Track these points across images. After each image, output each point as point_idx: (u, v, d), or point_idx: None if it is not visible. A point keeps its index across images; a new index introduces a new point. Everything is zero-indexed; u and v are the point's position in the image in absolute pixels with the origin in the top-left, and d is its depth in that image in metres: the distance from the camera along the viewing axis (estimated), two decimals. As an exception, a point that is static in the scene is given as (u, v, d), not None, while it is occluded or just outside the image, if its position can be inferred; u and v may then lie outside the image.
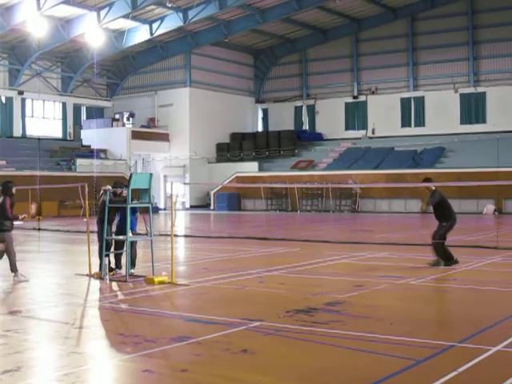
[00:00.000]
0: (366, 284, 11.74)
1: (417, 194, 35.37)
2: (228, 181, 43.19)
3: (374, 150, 44.77)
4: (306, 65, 51.44)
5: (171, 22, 41.72)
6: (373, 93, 48.57)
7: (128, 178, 12.86)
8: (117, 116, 47.67)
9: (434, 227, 14.13)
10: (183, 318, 9.09)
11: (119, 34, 43.51)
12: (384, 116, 47.46)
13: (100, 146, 44.85)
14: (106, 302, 10.56)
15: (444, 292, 11.52)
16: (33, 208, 12.47)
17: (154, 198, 40.11)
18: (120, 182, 13.77)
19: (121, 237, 12.94)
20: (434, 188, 14.18)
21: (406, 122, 47.07)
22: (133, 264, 13.12)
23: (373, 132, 48.05)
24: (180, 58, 48.46)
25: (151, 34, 42.76)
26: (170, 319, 9.19)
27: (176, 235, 21.52)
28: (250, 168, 45.84)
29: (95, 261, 13.20)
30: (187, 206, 46.54)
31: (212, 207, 45.14)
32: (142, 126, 47.75)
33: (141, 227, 14.11)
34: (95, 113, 48.31)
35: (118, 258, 13.52)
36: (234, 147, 48.82)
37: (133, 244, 13.11)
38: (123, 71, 50.46)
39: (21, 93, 44.37)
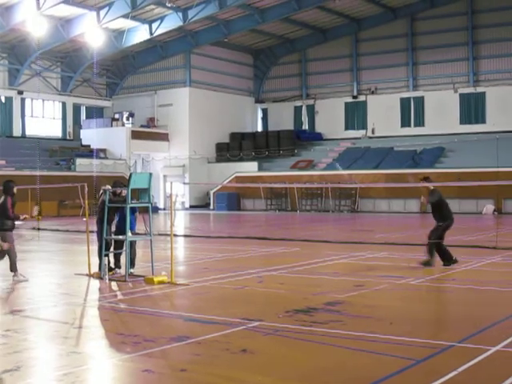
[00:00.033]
0: (365, 284, 11.74)
1: (416, 194, 35.30)
2: (227, 181, 43.19)
3: (374, 149, 44.77)
4: (305, 65, 51.44)
5: (171, 22, 41.71)
6: (372, 93, 48.58)
7: (127, 177, 12.85)
8: (116, 116, 47.65)
9: (433, 227, 14.13)
10: (183, 318, 9.08)
11: (119, 34, 43.50)
12: (384, 116, 47.46)
13: (99, 145, 44.84)
14: (106, 301, 10.56)
15: (444, 292, 11.52)
16: (35, 210, 12.39)
17: (154, 198, 40.12)
18: (119, 181, 13.76)
19: (120, 236, 12.94)
20: (432, 187, 14.20)
21: (405, 122, 47.07)
22: (132, 264, 13.12)
23: (372, 132, 48.05)
24: (180, 58, 48.45)
25: (151, 33, 42.75)
26: (169, 319, 9.18)
27: (175, 235, 21.51)
28: (250, 168, 45.84)
29: (95, 260, 13.20)
30: (187, 205, 46.53)
31: (211, 207, 45.14)
32: (142, 126, 47.75)
33: (140, 227, 14.11)
34: (95, 112, 48.29)
35: (117, 257, 13.52)
36: (234, 147, 48.81)
37: (132, 244, 13.10)
38: (123, 71, 50.45)
39: (20, 92, 44.36)
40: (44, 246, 19.97)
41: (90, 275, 12.97)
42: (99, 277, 12.70)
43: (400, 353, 7.04)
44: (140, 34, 43.19)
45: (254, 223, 32.11)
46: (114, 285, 12.21)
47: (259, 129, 52.83)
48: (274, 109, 52.27)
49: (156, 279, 12.03)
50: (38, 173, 33.77)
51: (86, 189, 14.49)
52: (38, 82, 44.73)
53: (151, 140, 46.81)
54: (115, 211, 13.06)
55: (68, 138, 47.70)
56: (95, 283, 12.38)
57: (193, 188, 46.64)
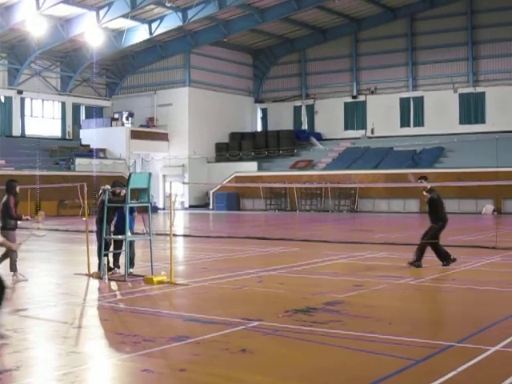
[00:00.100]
0: (365, 284, 11.74)
1: (416, 194, 35.36)
2: (227, 180, 43.19)
3: (373, 149, 44.77)
4: (305, 64, 51.43)
5: (170, 22, 41.71)
6: (372, 93, 48.58)
7: (127, 177, 12.85)
8: (116, 115, 47.65)
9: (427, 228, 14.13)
10: (182, 318, 9.08)
11: (118, 34, 43.49)
12: (383, 116, 47.46)
13: (99, 145, 44.83)
14: (105, 301, 10.56)
15: (443, 292, 11.52)
16: (40, 216, 12.38)
17: (153, 198, 40.12)
18: (119, 181, 13.76)
19: (120, 236, 12.94)
20: (429, 187, 14.20)
21: (405, 122, 47.07)
22: (131, 263, 13.11)
23: (372, 132, 48.05)
24: (179, 58, 48.44)
25: (150, 33, 42.74)
26: (168, 319, 9.18)
27: (175, 235, 21.54)
28: (249, 168, 45.84)
29: (94, 260, 13.20)
30: (186, 205, 46.53)
31: (211, 207, 45.13)
32: (141, 126, 47.74)
33: (140, 227, 14.10)
34: (94, 112, 48.27)
35: (116, 257, 13.52)
36: (233, 147, 48.81)
37: (131, 244, 13.10)
38: (122, 71, 50.44)
39: (20, 92, 44.35)
40: (43, 245, 19.96)
41: (89, 275, 12.97)
42: (98, 277, 12.70)
43: (399, 353, 7.04)
44: (139, 34, 43.18)
45: (253, 223, 32.11)
46: (113, 285, 12.21)
47: (259, 129, 52.83)
48: (273, 109, 52.27)
49: (155, 279, 12.03)
50: (37, 172, 33.78)
51: (86, 189, 14.49)
52: (38, 81, 44.70)
53: (151, 140, 46.81)
54: (114, 211, 13.06)
55: (67, 137, 47.69)
56: (95, 283, 12.38)
57: (192, 188, 46.64)
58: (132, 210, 13.07)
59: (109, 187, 12.93)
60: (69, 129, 47.96)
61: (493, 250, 16.89)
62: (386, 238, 20.56)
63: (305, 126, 51.03)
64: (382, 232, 24.08)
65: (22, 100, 44.99)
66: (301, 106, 51.23)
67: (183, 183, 43.91)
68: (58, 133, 47.45)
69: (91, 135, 45.17)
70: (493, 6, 43.87)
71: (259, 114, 53.29)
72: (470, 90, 44.83)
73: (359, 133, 48.44)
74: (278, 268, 14.01)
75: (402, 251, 17.03)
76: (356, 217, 36.39)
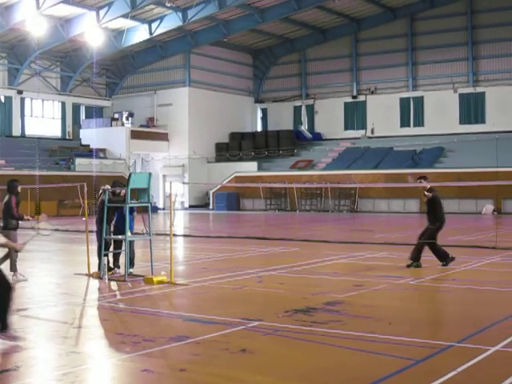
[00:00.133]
0: (365, 284, 11.74)
1: (416, 194, 35.35)
2: (227, 180, 43.18)
3: (373, 149, 44.77)
4: (305, 64, 51.43)
5: (170, 22, 41.71)
6: (372, 93, 48.57)
7: (127, 177, 12.86)
8: (116, 115, 47.65)
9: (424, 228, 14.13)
10: (182, 318, 9.08)
11: (118, 34, 43.49)
12: (383, 116, 47.45)
13: (99, 145, 44.82)
14: (105, 301, 10.56)
15: (443, 292, 11.52)
16: (42, 218, 12.41)
17: (153, 198, 40.12)
18: (119, 181, 13.76)
19: (120, 236, 12.94)
20: (429, 186, 14.21)
21: (405, 122, 47.06)
22: (131, 263, 13.11)
23: (372, 132, 48.04)
24: (179, 58, 48.44)
25: (150, 33, 42.74)
26: (168, 319, 9.18)
27: (175, 235, 21.54)
28: (249, 168, 45.84)
29: (94, 260, 13.20)
30: (186, 205, 46.53)
31: (211, 207, 45.13)
32: (141, 126, 47.74)
33: (140, 227, 14.10)
34: (94, 112, 48.26)
35: (115, 257, 13.52)
36: (233, 147, 48.81)
37: (130, 243, 13.10)
38: (122, 71, 50.44)
39: (20, 92, 44.36)
40: (43, 245, 19.94)
41: (89, 275, 12.97)
42: (98, 277, 12.70)
43: (399, 353, 7.04)
44: (139, 34, 43.18)
45: (253, 223, 32.11)
46: (113, 285, 12.21)
47: (259, 129, 52.83)
48: (273, 109, 52.27)
49: (155, 279, 12.03)
50: (37, 172, 33.76)
51: (86, 188, 14.49)
52: (38, 81, 44.69)
53: (151, 140, 46.81)
54: (114, 211, 13.06)
55: (67, 137, 47.69)
56: (94, 283, 12.38)
57: (192, 188, 46.64)
58: (131, 210, 13.07)
59: (109, 187, 12.93)
60: (69, 129, 47.96)
61: (493, 250, 16.90)
62: (385, 238, 20.57)
63: (305, 126, 51.00)
64: (381, 232, 24.08)
65: (22, 100, 44.99)
66: (301, 106, 51.23)
67: (183, 183, 43.91)
68: (57, 133, 47.45)
69: (91, 135, 45.17)
70: (493, 6, 43.87)
71: (259, 114, 53.30)
72: (470, 90, 44.83)
73: (359, 133, 48.44)
74: (278, 268, 14.01)
75: (401, 251, 17.01)
76: (356, 217, 36.39)
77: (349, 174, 40.80)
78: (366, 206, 40.52)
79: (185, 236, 23.50)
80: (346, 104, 49.31)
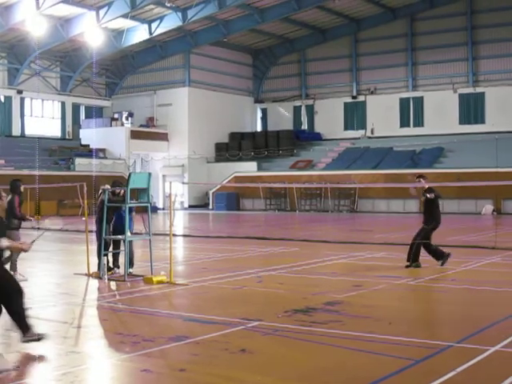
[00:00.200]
0: (364, 284, 11.74)
1: (415, 195, 35.29)
2: (227, 180, 43.19)
3: (373, 150, 44.78)
4: (304, 65, 51.44)
5: (170, 22, 41.71)
6: (372, 93, 48.58)
7: (127, 177, 12.86)
8: (116, 115, 47.66)
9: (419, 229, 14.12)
10: (182, 318, 9.08)
11: (118, 34, 43.49)
12: (383, 116, 47.46)
13: (99, 145, 44.82)
14: (105, 301, 10.56)
15: (442, 292, 11.51)
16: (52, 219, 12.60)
17: (153, 198, 40.11)
18: (119, 181, 13.76)
19: (119, 236, 12.94)
20: (427, 186, 14.22)
21: (404, 122, 47.07)
22: (131, 263, 13.11)
23: (372, 132, 48.05)
24: (179, 58, 48.44)
25: (150, 33, 42.74)
26: (168, 319, 9.18)
27: (175, 235, 21.53)
28: (249, 168, 45.84)
29: (94, 260, 13.20)
30: (186, 205, 46.53)
31: (211, 207, 45.13)
32: (141, 126, 47.75)
33: (139, 227, 14.10)
34: (94, 112, 48.26)
35: (115, 257, 13.52)
36: (233, 147, 48.81)
37: (129, 243, 13.09)
38: (122, 71, 50.44)
39: (20, 92, 44.35)
40: (43, 245, 19.95)
41: (89, 275, 12.97)
42: (98, 276, 12.70)
43: (399, 353, 7.04)
44: (139, 34, 43.18)
45: (253, 223, 32.11)
46: (113, 284, 12.21)
47: (258, 129, 52.83)
48: (273, 109, 52.28)
49: (155, 279, 12.03)
50: (37, 172, 33.71)
51: (85, 188, 14.49)
52: (38, 81, 44.68)
53: (150, 140, 46.81)
54: (114, 211, 13.06)
55: (67, 137, 47.68)
56: (94, 283, 12.37)
57: (192, 188, 46.64)
58: (130, 209, 13.06)
59: (108, 187, 12.93)
60: (68, 129, 47.95)
61: (492, 251, 16.89)
62: (385, 238, 20.57)
63: (305, 126, 51.04)
64: (381, 232, 24.09)
65: (22, 100, 44.98)
66: (300, 106, 51.24)
67: (183, 183, 43.91)
68: (57, 133, 47.44)
69: (91, 135, 45.17)
70: (493, 6, 43.88)
71: (259, 114, 53.30)
72: (470, 90, 44.84)
73: (359, 133, 48.45)
74: (278, 268, 14.01)
75: (401, 251, 16.99)
76: (355, 217, 36.39)
77: (348, 174, 40.81)
78: (365, 206, 40.52)
79: (184, 236, 23.50)
80: (345, 104, 49.32)
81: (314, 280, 12.58)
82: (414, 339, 7.61)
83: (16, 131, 44.63)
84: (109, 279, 12.54)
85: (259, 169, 46.01)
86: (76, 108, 48.89)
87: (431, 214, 13.84)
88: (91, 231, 14.09)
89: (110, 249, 13.35)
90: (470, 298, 10.74)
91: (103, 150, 45.62)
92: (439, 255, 13.87)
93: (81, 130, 47.76)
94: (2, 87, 43.81)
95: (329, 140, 48.90)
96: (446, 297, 11.07)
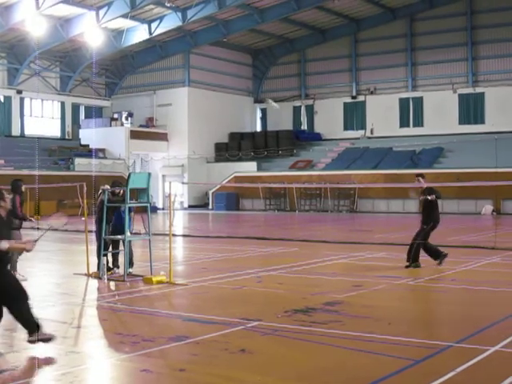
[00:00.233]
0: (364, 284, 11.74)
1: (415, 195, 35.29)
2: (226, 180, 43.18)
3: (373, 150, 44.77)
4: (304, 65, 51.43)
5: (170, 22, 41.70)
6: (371, 93, 48.57)
7: (126, 177, 12.86)
8: (115, 115, 47.65)
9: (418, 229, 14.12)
10: (181, 318, 9.08)
11: (118, 34, 43.47)
12: (382, 116, 47.45)
13: (98, 145, 44.80)
14: (104, 301, 10.56)
15: (442, 292, 11.51)
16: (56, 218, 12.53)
17: (153, 198, 40.10)
18: (118, 181, 13.76)
19: (119, 236, 12.93)
20: (425, 186, 14.23)
21: (404, 122, 47.06)
22: (130, 263, 13.11)
23: (371, 132, 48.04)
24: (179, 58, 48.43)
25: (150, 33, 42.73)
26: (168, 319, 9.18)
27: (174, 235, 21.53)
28: (249, 168, 45.84)
29: (93, 260, 13.20)
30: (185, 205, 46.52)
31: (210, 207, 45.12)
32: (141, 126, 47.73)
33: (139, 227, 14.09)
34: (94, 112, 48.23)
35: (115, 257, 13.52)
36: (233, 147, 48.80)
37: (129, 243, 13.08)
38: (122, 71, 50.43)
39: (19, 92, 44.33)
40: (43, 245, 19.95)
41: (88, 275, 12.97)
42: (98, 276, 12.69)
43: (398, 353, 7.04)
44: (139, 34, 43.16)
45: (252, 223, 32.11)
46: (112, 284, 12.20)
47: (258, 129, 52.82)
48: (272, 109, 52.23)
49: (155, 279, 12.03)
50: (36, 172, 33.69)
51: (85, 188, 14.49)
52: (37, 81, 44.67)
53: (150, 140, 46.79)
54: (114, 211, 13.06)
55: (67, 137, 47.66)
56: (94, 283, 12.37)
57: (192, 188, 46.63)
58: (129, 210, 13.06)
59: (108, 187, 12.93)
60: (68, 129, 47.93)
61: (492, 251, 16.89)
62: (385, 239, 20.57)
63: (304, 126, 51.03)
64: (381, 232, 24.08)
65: (22, 100, 44.96)
66: (300, 106, 51.22)
67: (182, 183, 43.90)
68: (57, 133, 47.42)
69: (90, 135, 45.13)
70: (492, 7, 43.87)
71: (258, 114, 53.28)
72: (470, 90, 44.84)
73: (358, 133, 48.44)
74: (278, 268, 14.01)
75: (401, 251, 16.99)
76: (355, 217, 36.39)
77: (348, 175, 40.80)
78: (365, 207, 40.51)
79: (184, 236, 23.50)
80: (345, 104, 49.31)
81: (313, 280, 12.58)
82: (414, 339, 7.61)
83: (16, 131, 44.62)
84: (108, 279, 12.53)
85: (259, 169, 46.01)
86: (76, 108, 48.88)
87: (430, 214, 13.85)
88: (91, 231, 14.09)
89: (110, 249, 13.34)
90: (469, 298, 10.75)
91: (103, 150, 45.61)
92: (436, 254, 13.89)
93: (80, 130, 47.75)
94: (2, 87, 43.80)
95: (328, 140, 48.88)
96: (445, 297, 11.07)
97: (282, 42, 50.94)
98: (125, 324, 8.89)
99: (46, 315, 9.41)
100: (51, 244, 20.35)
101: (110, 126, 46.42)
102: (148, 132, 47.11)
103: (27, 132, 45.11)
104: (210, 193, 45.53)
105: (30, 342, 7.24)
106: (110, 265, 13.30)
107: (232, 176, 43.96)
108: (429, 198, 13.75)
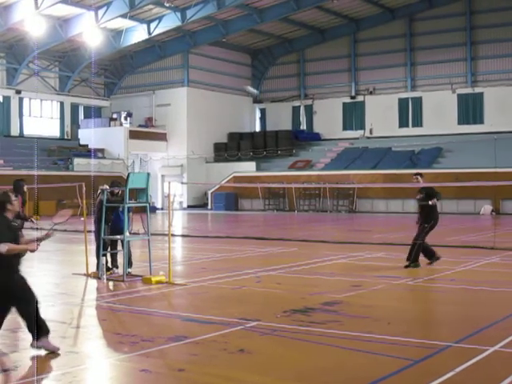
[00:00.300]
0: (363, 284, 11.74)
1: (414, 195, 35.25)
2: (225, 180, 43.17)
3: (372, 150, 44.78)
4: (303, 65, 51.42)
5: (169, 22, 41.68)
6: (371, 93, 48.57)
7: (125, 177, 12.85)
8: (114, 115, 47.61)
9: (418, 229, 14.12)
10: (180, 318, 9.08)
11: (117, 34, 43.45)
12: (382, 116, 47.44)
13: (97, 145, 44.75)
14: (103, 301, 10.56)
15: (441, 292, 11.52)
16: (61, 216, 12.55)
17: (152, 198, 40.07)
18: (117, 181, 13.76)
19: (118, 236, 12.93)
20: (422, 186, 14.22)
21: (403, 123, 47.06)
22: (129, 263, 13.10)
23: (370, 132, 48.04)
24: (178, 58, 48.41)
25: (149, 33, 42.71)
26: (167, 319, 9.18)
27: (173, 235, 21.52)
28: (248, 168, 45.83)
29: (92, 260, 13.19)
30: (185, 205, 46.51)
31: (209, 207, 45.11)
32: (140, 126, 47.70)
33: (138, 227, 14.08)
34: (93, 112, 48.19)
35: (114, 257, 13.51)
36: (232, 147, 48.79)
37: (127, 243, 13.07)
38: (121, 71, 50.41)
39: (18, 92, 44.30)
40: (42, 245, 19.94)
41: (87, 275, 12.96)
42: (97, 276, 12.69)
43: (398, 353, 7.04)
44: (138, 34, 43.14)
45: (251, 223, 32.11)
46: (111, 284, 12.20)
47: (257, 129, 52.80)
48: (272, 109, 52.24)
49: (154, 279, 12.03)
50: (35, 172, 33.70)
51: (84, 188, 14.48)
52: (36, 81, 44.65)
53: (149, 140, 46.77)
54: (113, 211, 13.06)
55: (66, 137, 47.63)
56: (93, 283, 12.37)
57: (191, 188, 46.61)
58: (128, 210, 13.04)
59: (107, 187, 12.92)
60: (67, 129, 47.91)
61: (491, 251, 16.89)
62: (384, 239, 20.57)
63: (303, 126, 51.02)
64: (380, 232, 24.08)
65: (21, 100, 44.93)
66: (299, 106, 51.21)
67: (182, 183, 43.89)
68: (56, 133, 47.40)
69: (90, 135, 45.09)
70: (492, 7, 43.88)
71: (258, 114, 53.27)
72: (469, 90, 44.84)
73: (358, 133, 48.44)
74: (277, 268, 14.01)
75: (400, 251, 17.00)
76: (354, 217, 36.40)
77: (347, 175, 40.81)
78: (364, 207, 40.51)
79: (183, 236, 23.49)
80: (344, 104, 49.30)
81: (312, 280, 12.58)
82: (413, 339, 7.61)
83: (14, 131, 44.59)
84: (107, 279, 12.53)
85: (258, 169, 46.00)
86: (75, 108, 48.84)
87: (429, 214, 13.86)
88: (90, 231, 14.08)
89: (109, 249, 13.34)
90: (468, 298, 10.75)
91: (102, 150, 45.58)
92: (430, 254, 13.92)
93: (79, 130, 47.72)
94: (1, 87, 43.76)
95: (327, 140, 48.87)
96: (444, 297, 11.07)
97: (281, 42, 50.93)
98: (124, 324, 8.88)
99: (45, 315, 9.38)
100: (50, 244, 20.34)
101: (109, 126, 46.40)
102: (147, 132, 47.09)
103: (26, 132, 45.08)
104: (209, 193, 45.52)
105: (33, 346, 7.21)
106: (109, 265, 13.30)
107: (231, 176, 43.96)
108: (430, 203, 13.76)
